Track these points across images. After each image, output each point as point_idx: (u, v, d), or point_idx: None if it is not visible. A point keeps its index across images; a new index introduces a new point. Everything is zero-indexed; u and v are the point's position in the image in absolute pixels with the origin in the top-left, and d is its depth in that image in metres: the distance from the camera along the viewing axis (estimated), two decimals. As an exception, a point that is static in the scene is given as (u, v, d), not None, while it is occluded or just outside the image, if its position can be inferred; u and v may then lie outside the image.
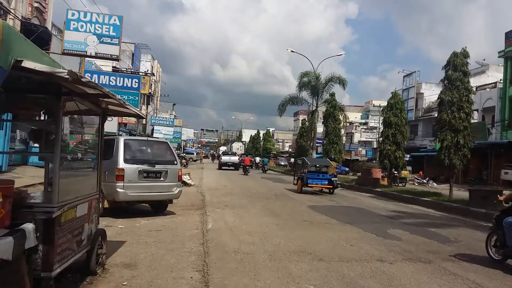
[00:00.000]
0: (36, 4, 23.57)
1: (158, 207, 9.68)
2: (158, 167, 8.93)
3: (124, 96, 18.52)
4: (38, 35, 20.47)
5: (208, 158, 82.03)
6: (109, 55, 17.76)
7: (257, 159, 46.67)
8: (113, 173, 8.38)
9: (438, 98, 13.99)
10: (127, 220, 8.35)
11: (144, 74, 33.28)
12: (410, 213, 11.99)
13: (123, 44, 46.19)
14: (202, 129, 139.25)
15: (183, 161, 36.13)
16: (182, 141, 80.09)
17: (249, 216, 9.59)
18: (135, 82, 19.04)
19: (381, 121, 52.52)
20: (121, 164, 8.43)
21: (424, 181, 32.56)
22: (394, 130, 17.29)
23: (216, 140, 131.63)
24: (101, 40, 17.37)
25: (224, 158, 39.11)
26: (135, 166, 8.60)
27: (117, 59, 18.88)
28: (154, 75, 57.36)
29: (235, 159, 38.41)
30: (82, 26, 17.27)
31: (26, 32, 20.81)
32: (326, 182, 17.29)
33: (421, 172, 35.05)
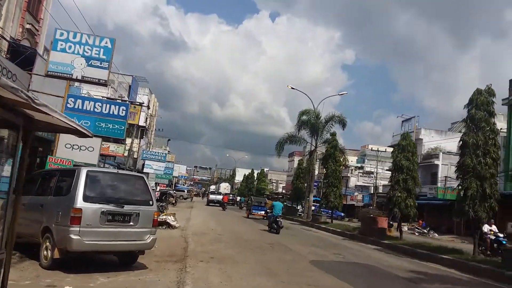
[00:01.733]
0: (28, 26, 22.37)
1: (126, 258, 7.70)
2: (127, 208, 7.07)
3: (109, 125, 16.86)
4: (26, 57, 19.07)
5: (199, 196, 79.80)
6: (97, 80, 16.20)
7: (238, 198, 55.19)
8: (68, 214, 6.51)
9: (460, 140, 12.39)
10: (80, 276, 6.38)
11: (133, 103, 31.77)
12: (432, 274, 10.04)
13: (120, 76, 45.38)
14: (195, 166, 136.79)
15: (171, 199, 34.02)
16: (174, 178, 77.93)
17: (239, 275, 7.62)
18: (123, 110, 17.35)
19: (380, 165, 51.27)
20: (79, 202, 6.58)
21: (425, 231, 30.59)
22: (406, 175, 15.58)
23: (210, 178, 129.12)
24: (90, 63, 15.90)
25: (211, 197, 48.33)
26: (97, 206, 6.74)
27: (105, 84, 17.34)
28: (149, 108, 56.16)
29: (220, 197, 44.75)
30: (70, 47, 15.84)
31: (14, 53, 19.40)
32: (263, 212, 27.32)
33: (420, 221, 33.09)
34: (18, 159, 3.41)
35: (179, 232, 14.67)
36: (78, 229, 6.46)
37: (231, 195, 52.00)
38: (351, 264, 10.47)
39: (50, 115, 2.97)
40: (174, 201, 36.19)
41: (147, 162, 48.81)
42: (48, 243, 6.79)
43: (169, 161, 54.00)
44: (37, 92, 17.81)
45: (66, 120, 3.25)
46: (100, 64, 16.03)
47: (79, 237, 6.44)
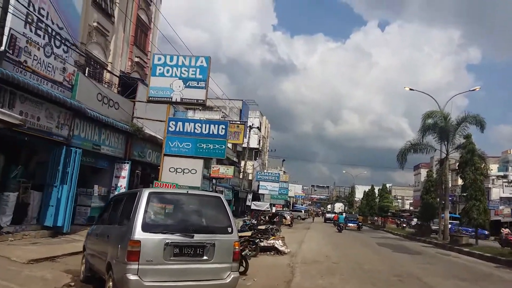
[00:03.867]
0: (136, 59, 23.64)
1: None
2: (199, 238, 5.52)
3: (210, 145, 16.12)
4: (135, 88, 19.84)
5: (319, 216, 77.56)
6: (195, 100, 15.74)
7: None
8: (125, 247, 5.20)
9: None
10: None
11: (234, 122, 31.42)
12: None
13: (231, 101, 46.55)
14: (312, 185, 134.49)
15: (285, 220, 32.45)
16: (291, 198, 76.96)
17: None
18: (222, 128, 16.47)
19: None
20: (137, 233, 5.22)
21: None
22: None
23: (328, 197, 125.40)
24: (187, 84, 15.53)
25: (327, 215, 58.87)
26: (160, 236, 5.31)
27: (203, 103, 16.79)
28: (260, 130, 56.55)
29: (332, 216, 52.69)
30: (168, 71, 15.71)
31: (124, 85, 20.43)
32: (355, 224, 39.80)
33: None
34: None
35: (288, 259, 12.84)
36: (136, 267, 5.07)
37: (345, 213, 55.41)
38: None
39: None
40: (290, 222, 34.62)
41: (261, 183, 48.62)
42: (111, 283, 5.57)
43: (283, 181, 53.03)
44: (141, 118, 18.19)
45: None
46: (197, 84, 15.54)
47: (137, 278, 5.04)
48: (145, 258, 5.13)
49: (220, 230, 5.81)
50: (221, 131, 16.51)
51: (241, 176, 43.70)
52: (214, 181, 31.29)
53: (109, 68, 20.54)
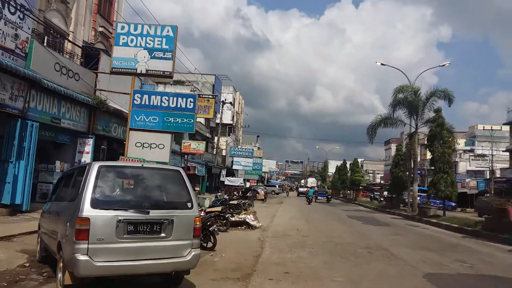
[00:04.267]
0: (100, 29, 22.37)
1: (169, 279, 5.82)
2: (155, 214, 5.13)
3: (178, 119, 15.56)
4: (98, 59, 18.79)
5: (293, 190, 78.77)
6: (162, 72, 15.04)
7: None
8: (73, 225, 4.77)
9: None
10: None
11: (204, 95, 30.76)
12: None
13: (203, 76, 45.38)
14: (287, 161, 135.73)
15: (259, 195, 32.46)
16: (265, 173, 77.38)
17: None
18: (190, 102, 15.84)
19: (494, 147, 44.17)
20: (86, 210, 4.78)
21: None
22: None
23: (302, 172, 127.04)
24: (153, 54, 14.79)
25: (300, 189, 63.03)
26: (111, 213, 4.88)
27: (170, 76, 16.10)
28: (233, 105, 55.86)
29: (304, 190, 54.98)
30: (132, 40, 14.86)
31: (88, 57, 19.33)
32: (325, 198, 41.09)
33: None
34: None
35: (258, 233, 12.71)
36: (86, 246, 4.66)
37: (316, 188, 59.12)
38: (487, 279, 7.36)
39: None
40: (263, 197, 34.66)
41: (235, 159, 48.43)
42: (61, 264, 5.16)
43: (257, 157, 52.96)
44: (104, 90, 17.34)
45: None
46: (164, 55, 14.82)
47: (87, 258, 4.64)
48: (95, 237, 4.72)
49: (179, 206, 5.43)
50: (190, 105, 15.93)
51: (214, 152, 43.27)
52: (186, 156, 30.78)
53: (70, 38, 19.37)
